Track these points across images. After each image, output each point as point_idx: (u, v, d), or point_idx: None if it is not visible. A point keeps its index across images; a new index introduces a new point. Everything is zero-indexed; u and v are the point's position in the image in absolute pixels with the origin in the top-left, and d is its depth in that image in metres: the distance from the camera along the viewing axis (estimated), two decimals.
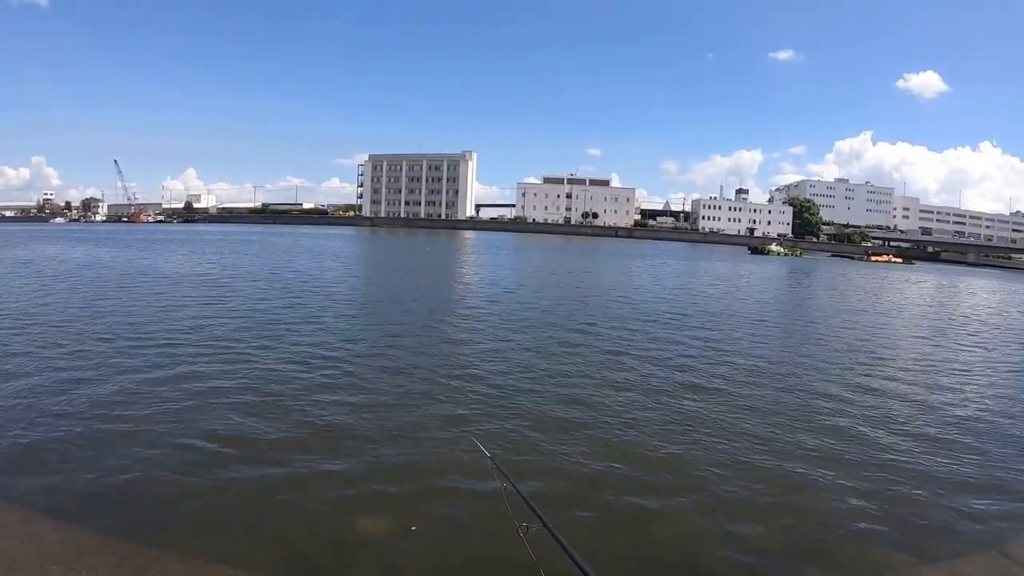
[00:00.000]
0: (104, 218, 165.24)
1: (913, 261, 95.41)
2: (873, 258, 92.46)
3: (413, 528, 5.67)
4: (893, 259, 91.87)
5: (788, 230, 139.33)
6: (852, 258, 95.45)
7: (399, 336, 13.95)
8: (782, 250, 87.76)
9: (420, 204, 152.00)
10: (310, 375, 10.37)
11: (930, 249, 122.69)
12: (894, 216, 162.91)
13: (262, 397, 9.03)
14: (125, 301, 18.19)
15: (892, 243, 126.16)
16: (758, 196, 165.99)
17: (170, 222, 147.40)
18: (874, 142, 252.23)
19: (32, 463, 6.64)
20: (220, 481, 6.42)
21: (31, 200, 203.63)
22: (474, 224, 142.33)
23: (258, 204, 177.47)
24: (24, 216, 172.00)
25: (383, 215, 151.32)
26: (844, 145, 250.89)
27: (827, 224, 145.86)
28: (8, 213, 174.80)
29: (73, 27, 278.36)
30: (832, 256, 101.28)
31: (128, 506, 5.87)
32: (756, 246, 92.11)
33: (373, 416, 8.42)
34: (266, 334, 13.52)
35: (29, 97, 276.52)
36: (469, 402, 9.27)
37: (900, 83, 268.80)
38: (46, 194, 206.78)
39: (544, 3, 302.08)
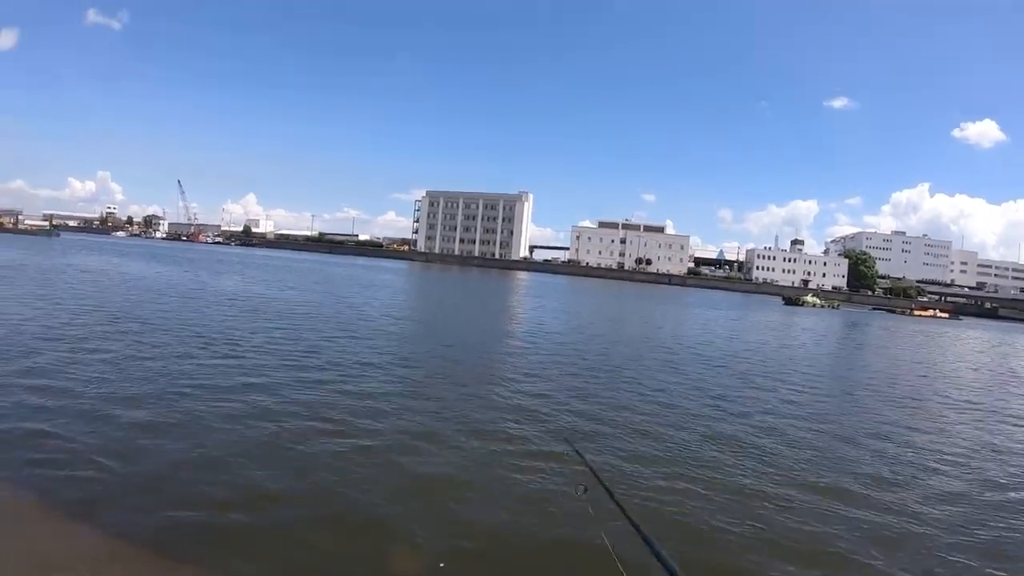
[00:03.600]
0: (164, 235, 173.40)
1: (961, 317, 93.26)
2: (917, 313, 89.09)
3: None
4: (939, 314, 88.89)
5: (843, 282, 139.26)
6: (895, 311, 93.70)
7: (440, 377, 13.03)
8: (818, 301, 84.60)
9: (475, 242, 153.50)
10: (340, 398, 10.26)
11: (988, 305, 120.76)
12: (951, 270, 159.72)
13: (289, 418, 8.82)
14: (175, 315, 18.49)
15: (948, 298, 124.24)
16: (813, 247, 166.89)
17: (228, 244, 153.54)
18: (931, 194, 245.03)
19: (36, 461, 6.49)
20: (241, 497, 6.14)
21: (95, 212, 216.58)
22: (528, 265, 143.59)
23: (315, 232, 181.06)
24: (86, 227, 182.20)
25: (437, 251, 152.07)
26: (901, 196, 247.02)
27: (883, 277, 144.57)
28: (72, 223, 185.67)
29: (143, 51, 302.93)
30: (874, 309, 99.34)
31: (134, 513, 5.64)
32: (791, 296, 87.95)
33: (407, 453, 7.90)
34: (316, 363, 13.12)
35: (96, 113, 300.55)
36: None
37: (956, 132, 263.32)
38: (109, 208, 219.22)
39: (607, 45, 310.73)
